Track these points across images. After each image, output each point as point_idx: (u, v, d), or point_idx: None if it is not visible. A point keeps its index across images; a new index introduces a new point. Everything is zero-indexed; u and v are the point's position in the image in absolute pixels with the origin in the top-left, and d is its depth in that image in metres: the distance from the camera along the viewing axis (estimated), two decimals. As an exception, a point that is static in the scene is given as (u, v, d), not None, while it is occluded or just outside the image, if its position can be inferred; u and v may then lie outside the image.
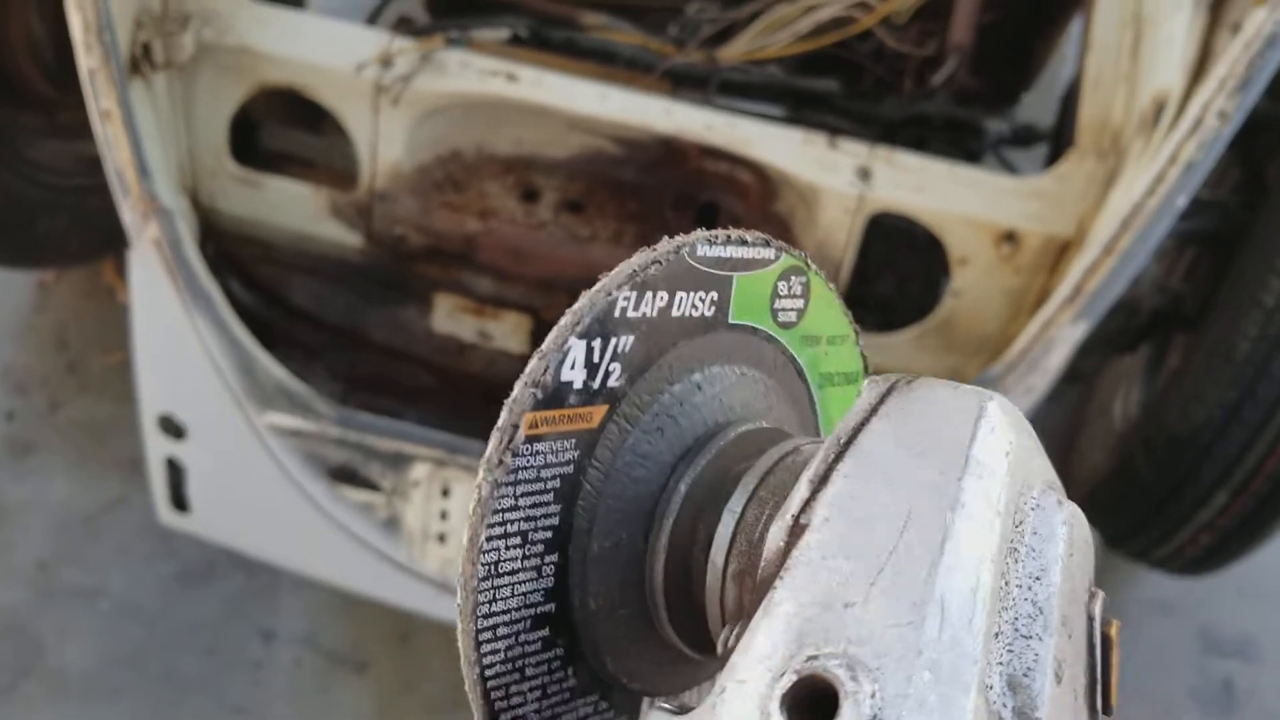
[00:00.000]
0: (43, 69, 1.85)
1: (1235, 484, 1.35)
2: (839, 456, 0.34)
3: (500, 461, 0.36)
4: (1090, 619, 0.34)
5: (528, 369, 0.37)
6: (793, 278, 0.44)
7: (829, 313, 0.47)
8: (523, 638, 0.37)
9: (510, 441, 0.36)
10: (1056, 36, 1.78)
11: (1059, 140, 1.61)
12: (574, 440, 0.38)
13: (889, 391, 0.37)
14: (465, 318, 1.55)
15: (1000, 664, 0.30)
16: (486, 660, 0.36)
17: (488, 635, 0.36)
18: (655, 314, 0.39)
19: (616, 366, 0.39)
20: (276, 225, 1.48)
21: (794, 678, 0.28)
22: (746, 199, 1.46)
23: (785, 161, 1.37)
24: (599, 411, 0.38)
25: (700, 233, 0.42)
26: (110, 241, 2.08)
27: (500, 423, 0.36)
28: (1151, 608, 1.83)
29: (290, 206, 1.47)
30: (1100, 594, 0.35)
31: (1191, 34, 1.24)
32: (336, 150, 1.54)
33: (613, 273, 0.39)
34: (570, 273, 1.47)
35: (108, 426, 1.89)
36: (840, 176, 1.35)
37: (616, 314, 0.38)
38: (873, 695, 0.27)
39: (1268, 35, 1.07)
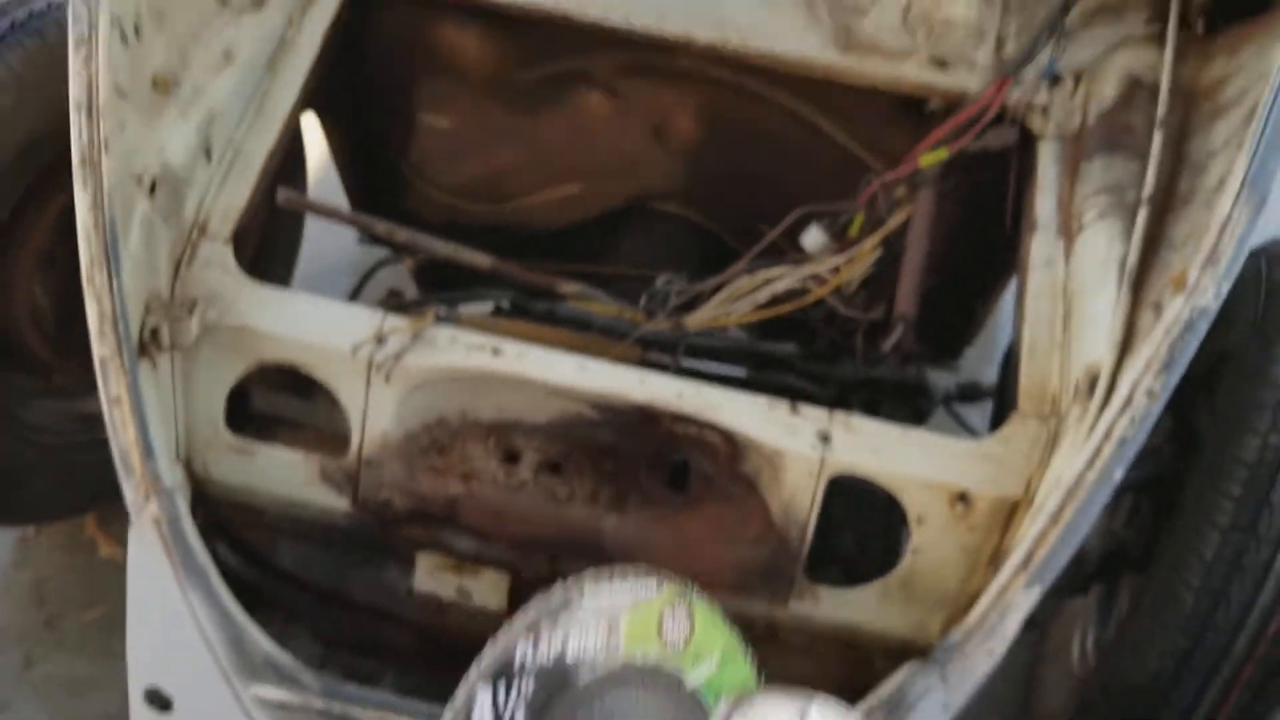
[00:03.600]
0: (43, 335, 1.95)
1: None
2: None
3: None
4: None
5: None
6: (678, 605, 0.51)
7: (715, 632, 0.53)
8: None
9: None
10: (993, 299, 1.94)
11: (1002, 398, 1.74)
12: None
13: (733, 708, 0.43)
14: (446, 575, 1.59)
15: None
16: None
17: None
18: (552, 659, 0.45)
19: (521, 709, 0.44)
20: (267, 491, 1.54)
21: None
22: (716, 459, 1.55)
23: (750, 427, 1.46)
24: None
25: (589, 574, 0.49)
26: (96, 496, 2.13)
27: None
28: None
29: (281, 473, 1.53)
30: None
31: (1117, 311, 1.37)
32: (325, 414, 1.62)
33: (512, 624, 0.45)
34: (548, 533, 1.54)
35: (85, 683, 1.88)
36: (802, 440, 1.45)
37: (517, 663, 0.44)
38: None
39: (1185, 321, 1.21)
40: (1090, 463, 1.21)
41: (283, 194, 1.73)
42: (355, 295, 2.09)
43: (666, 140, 2.02)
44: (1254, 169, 1.20)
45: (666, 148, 2.03)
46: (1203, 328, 1.18)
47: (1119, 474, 1.21)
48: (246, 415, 1.59)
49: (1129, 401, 1.21)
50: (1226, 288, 1.19)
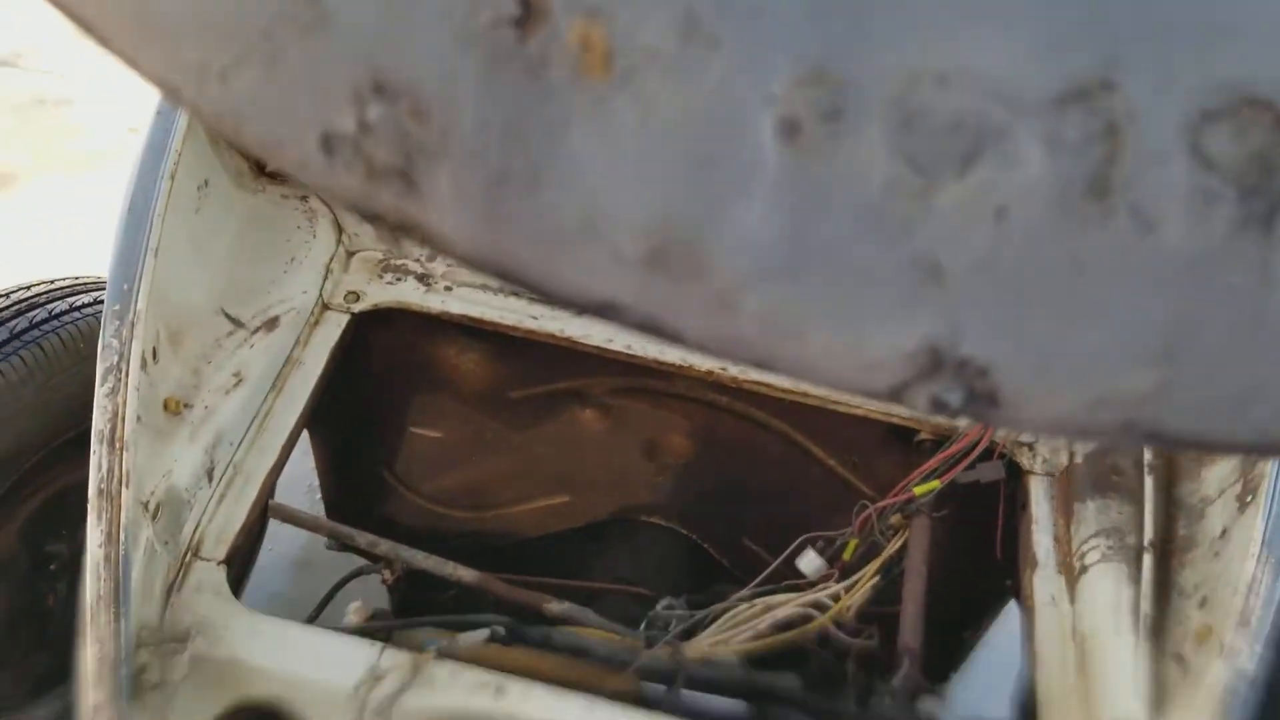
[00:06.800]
0: None
1: None
2: None
3: None
4: None
5: None
6: None
7: None
8: None
9: None
10: (983, 628, 1.93)
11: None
12: None
13: None
14: None
15: None
16: None
17: None
18: None
19: None
20: None
21: None
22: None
23: None
24: None
25: None
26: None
27: None
28: None
29: None
30: None
31: (1138, 662, 1.36)
32: None
33: None
34: None
35: None
36: None
37: None
38: None
39: (1229, 686, 1.20)
40: None
41: (274, 507, 1.69)
42: (323, 607, 2.00)
43: (657, 456, 2.04)
44: (1270, 532, 1.24)
45: (657, 464, 2.05)
46: (1245, 692, 1.18)
47: None
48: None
49: None
50: (1260, 649, 1.19)
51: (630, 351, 1.85)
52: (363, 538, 1.77)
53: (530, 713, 1.41)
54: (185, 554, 1.47)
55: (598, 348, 1.85)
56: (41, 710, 1.94)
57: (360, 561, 2.03)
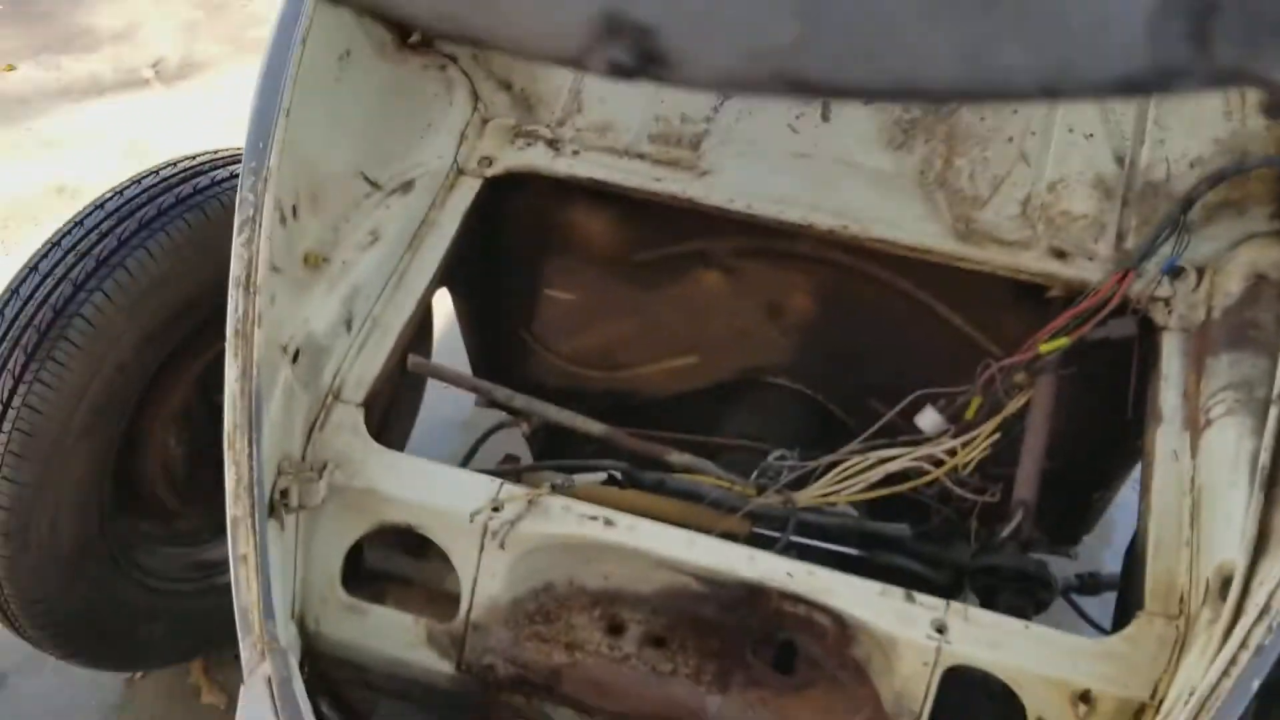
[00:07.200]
0: (172, 484, 2.04)
1: None
2: None
3: None
4: None
5: None
6: None
7: None
8: None
9: None
10: (1114, 488, 1.89)
11: (1125, 593, 1.67)
12: None
13: None
14: None
15: None
16: None
17: None
18: None
19: None
20: (373, 651, 1.56)
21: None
22: (824, 641, 1.51)
23: (862, 612, 1.44)
24: None
25: None
26: (203, 644, 2.17)
27: None
28: None
29: (389, 634, 1.55)
30: None
31: (1249, 511, 1.33)
32: (435, 574, 1.65)
33: None
34: (650, 710, 1.51)
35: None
36: (917, 630, 1.42)
37: None
38: None
39: None
40: (1225, 670, 1.15)
41: (413, 360, 1.81)
42: (470, 456, 2.14)
43: (781, 317, 2.06)
44: None
45: (781, 324, 2.07)
46: None
47: (1256, 684, 1.15)
48: (359, 572, 1.63)
49: (1266, 609, 1.16)
50: None
51: (751, 211, 1.87)
52: (500, 392, 1.88)
53: (635, 543, 1.50)
54: (326, 397, 1.61)
55: (719, 208, 1.88)
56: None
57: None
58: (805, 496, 1.74)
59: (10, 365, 1.69)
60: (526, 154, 1.96)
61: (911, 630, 1.41)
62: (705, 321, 2.11)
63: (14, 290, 1.75)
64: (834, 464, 1.75)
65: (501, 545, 1.48)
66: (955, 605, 1.43)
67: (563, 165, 1.94)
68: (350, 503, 1.55)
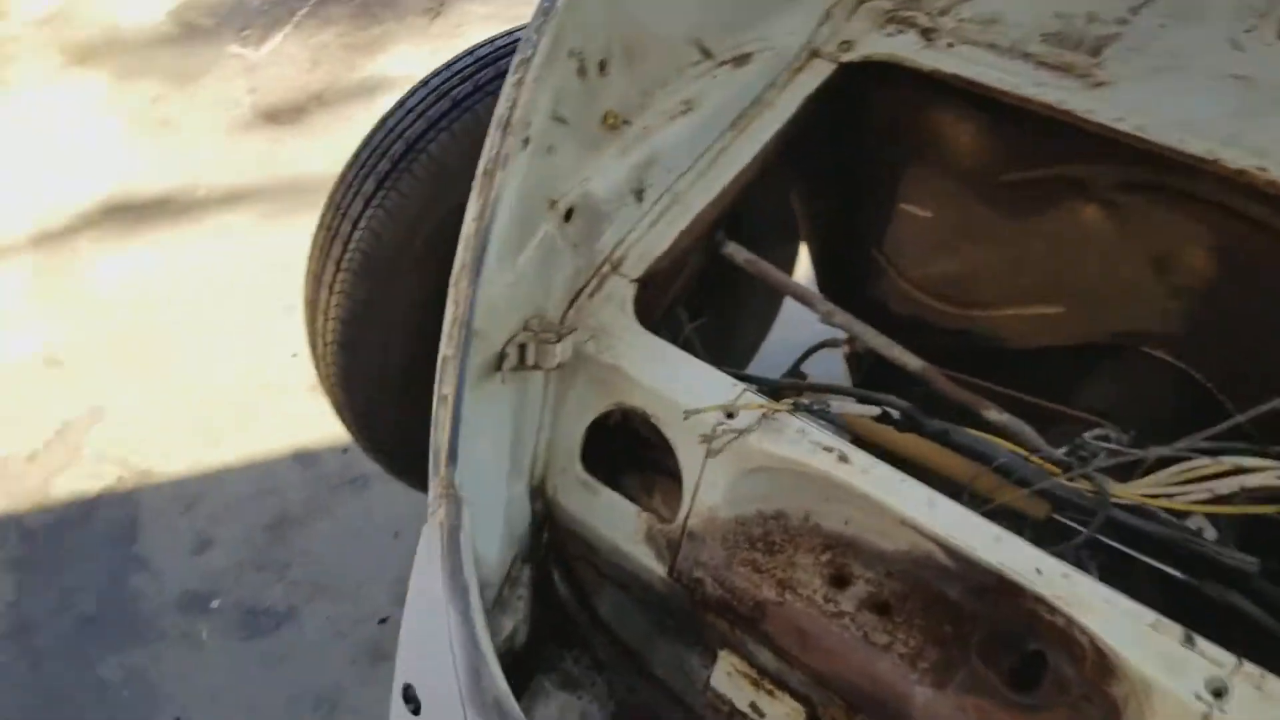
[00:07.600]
0: None
1: None
2: None
3: None
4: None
5: None
6: None
7: None
8: None
9: None
10: None
11: None
12: None
13: None
14: (743, 684, 1.45)
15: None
16: None
17: None
18: None
19: None
20: (599, 534, 1.51)
21: None
22: (1080, 665, 1.22)
23: (1118, 641, 1.13)
24: None
25: None
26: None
27: None
28: None
29: (613, 520, 1.49)
30: None
31: None
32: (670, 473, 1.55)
33: None
34: (851, 679, 1.32)
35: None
36: (1184, 683, 1.09)
37: None
38: None
39: None
40: None
41: (730, 247, 1.70)
42: (791, 372, 2.00)
43: (1169, 274, 1.67)
44: None
45: (1168, 283, 1.68)
46: None
47: None
48: (601, 454, 1.57)
49: None
50: None
51: (1144, 135, 1.50)
52: (822, 304, 1.71)
53: (865, 487, 1.29)
54: (603, 265, 1.55)
55: (1106, 126, 1.54)
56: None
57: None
58: (1125, 490, 1.40)
59: (364, 189, 1.81)
60: (893, 41, 1.73)
61: (1177, 681, 1.09)
62: (1077, 266, 1.76)
63: (384, 121, 1.87)
64: (1168, 460, 1.39)
65: (716, 453, 1.35)
66: (1250, 667, 1.07)
67: (929, 58, 1.69)
68: (596, 377, 1.49)
